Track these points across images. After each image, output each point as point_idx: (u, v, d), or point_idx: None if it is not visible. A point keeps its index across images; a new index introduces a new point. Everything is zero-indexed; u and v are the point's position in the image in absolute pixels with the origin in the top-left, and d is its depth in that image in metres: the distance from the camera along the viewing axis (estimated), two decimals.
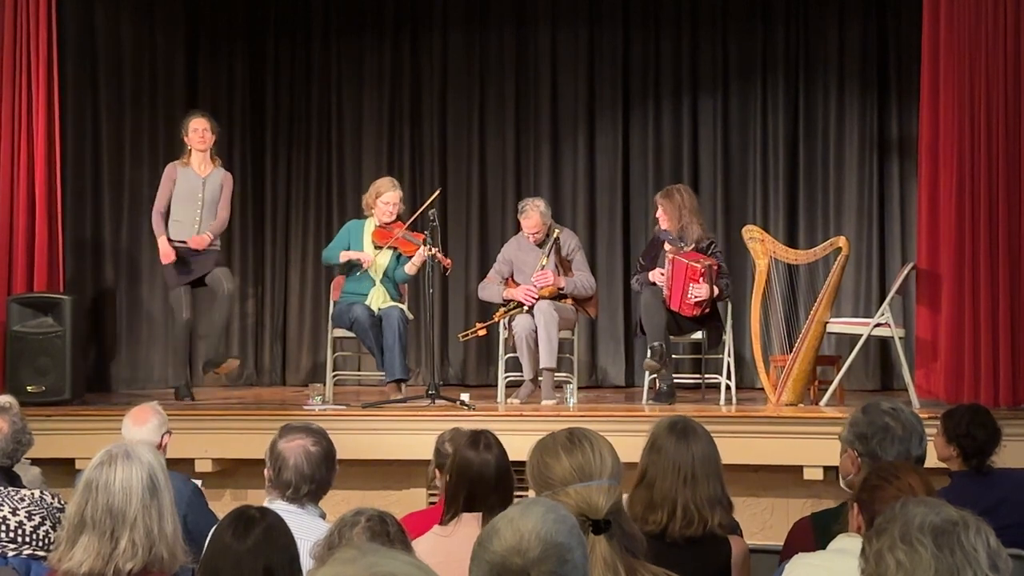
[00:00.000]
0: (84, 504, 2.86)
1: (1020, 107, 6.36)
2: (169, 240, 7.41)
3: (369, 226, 7.48)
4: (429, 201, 7.37)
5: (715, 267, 7.02)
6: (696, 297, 6.96)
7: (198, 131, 7.46)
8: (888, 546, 1.81)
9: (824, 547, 3.03)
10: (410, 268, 7.34)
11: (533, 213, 7.36)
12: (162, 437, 4.49)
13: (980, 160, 6.38)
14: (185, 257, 7.42)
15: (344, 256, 7.43)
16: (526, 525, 1.95)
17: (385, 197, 7.40)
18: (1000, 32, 6.38)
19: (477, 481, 3.46)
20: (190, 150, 7.52)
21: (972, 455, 4.34)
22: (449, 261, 7.37)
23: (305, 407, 6.86)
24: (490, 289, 7.54)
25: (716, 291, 7.02)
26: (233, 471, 6.54)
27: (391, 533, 2.82)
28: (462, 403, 6.80)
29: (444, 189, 9.21)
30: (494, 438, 3.59)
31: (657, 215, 7.27)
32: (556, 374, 7.20)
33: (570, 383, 7.17)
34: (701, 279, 6.94)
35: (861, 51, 8.82)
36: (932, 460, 4.49)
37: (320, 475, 3.54)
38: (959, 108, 6.43)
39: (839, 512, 3.38)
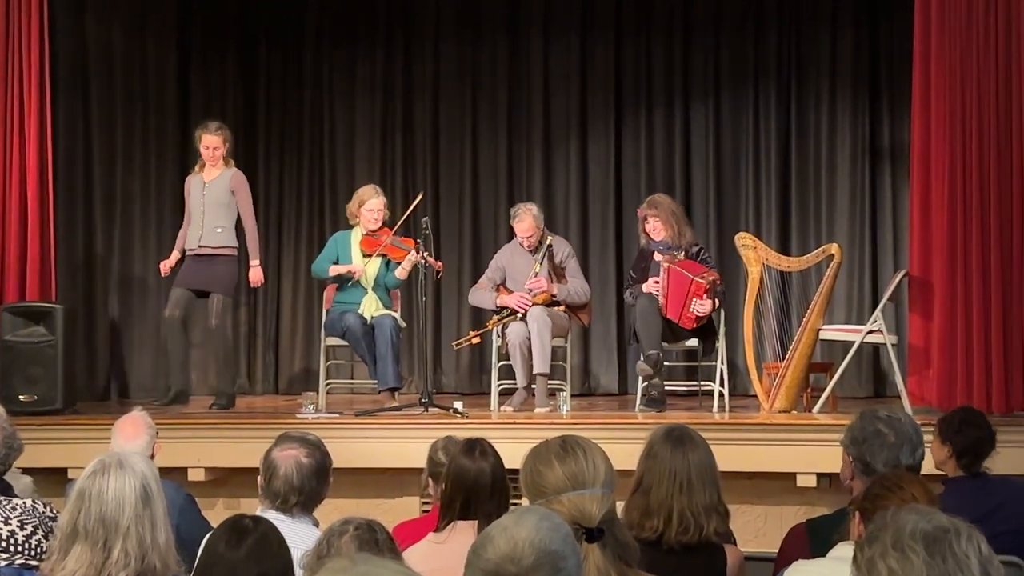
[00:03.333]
0: (77, 513, 2.85)
1: (1011, 114, 6.37)
2: (185, 249, 7.42)
3: (356, 235, 7.47)
4: (412, 207, 7.39)
5: (718, 281, 7.03)
6: (699, 312, 6.96)
7: (208, 149, 7.39)
8: (880, 553, 1.81)
9: (819, 554, 3.03)
10: (400, 273, 7.34)
11: (526, 216, 7.35)
12: (153, 447, 4.48)
13: (972, 167, 6.40)
14: (195, 264, 7.38)
15: (334, 271, 7.43)
16: (520, 533, 1.95)
17: (369, 204, 7.39)
18: (991, 40, 6.40)
19: (473, 489, 3.47)
20: (202, 160, 7.49)
21: (964, 453, 4.35)
22: (440, 264, 7.37)
23: (298, 415, 6.85)
24: (481, 295, 7.53)
25: (716, 303, 7.03)
26: (226, 480, 6.52)
27: (380, 541, 2.81)
28: (455, 411, 6.80)
29: (436, 194, 9.25)
30: (489, 446, 3.60)
31: (647, 228, 7.25)
32: (549, 381, 7.19)
33: (563, 391, 7.17)
34: (705, 295, 6.94)
35: (853, 59, 8.85)
36: (929, 467, 4.52)
37: (310, 487, 3.52)
38: (950, 115, 6.45)
39: (834, 519, 3.39)
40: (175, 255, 7.48)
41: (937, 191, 6.50)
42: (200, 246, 7.36)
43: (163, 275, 7.63)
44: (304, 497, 3.52)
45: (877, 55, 8.82)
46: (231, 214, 7.40)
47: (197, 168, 7.53)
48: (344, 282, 7.43)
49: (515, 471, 2.75)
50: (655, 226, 7.20)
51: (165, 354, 7.77)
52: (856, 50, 8.85)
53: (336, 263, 7.47)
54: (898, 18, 8.26)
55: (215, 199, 7.38)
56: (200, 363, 8.59)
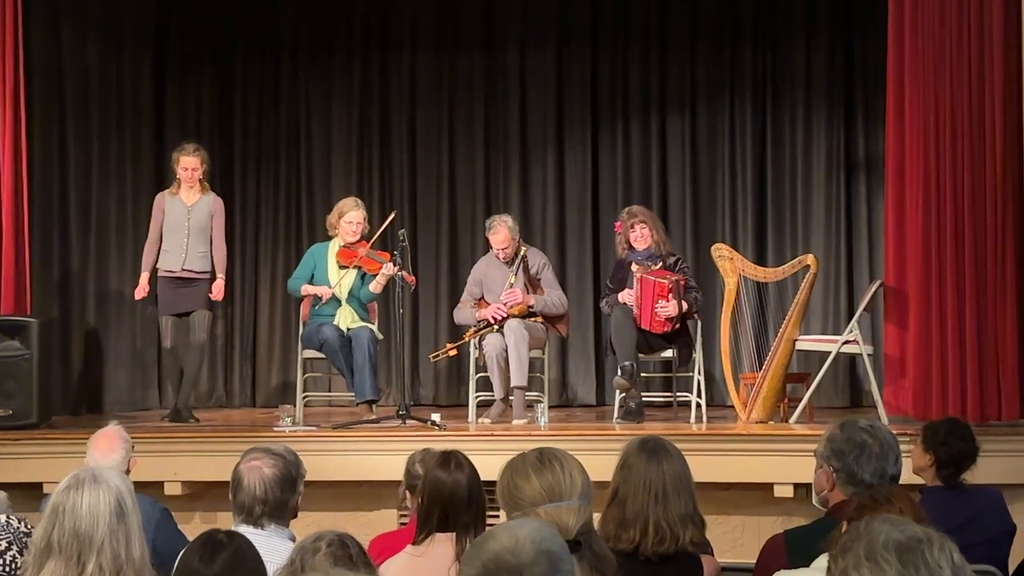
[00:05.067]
0: (51, 528, 2.83)
1: (984, 127, 6.42)
2: (158, 271, 7.48)
3: (333, 247, 7.48)
4: (384, 225, 7.38)
5: (682, 282, 7.05)
6: (663, 314, 6.98)
7: (188, 171, 7.50)
8: (853, 564, 1.82)
9: (797, 564, 3.03)
10: (375, 286, 7.34)
11: (501, 228, 7.36)
12: (129, 461, 4.45)
13: (945, 179, 6.43)
14: (175, 288, 7.48)
15: (304, 291, 7.44)
16: (522, 532, 1.98)
17: (349, 216, 7.40)
18: (964, 53, 6.45)
19: (449, 501, 3.47)
20: (179, 180, 7.55)
21: (945, 464, 4.38)
22: (413, 279, 7.38)
23: (275, 428, 6.83)
24: (464, 312, 7.54)
25: (685, 306, 7.05)
26: (202, 494, 6.49)
27: (353, 556, 2.80)
28: (433, 423, 6.79)
29: (413, 206, 9.25)
30: (464, 457, 3.60)
31: (631, 237, 7.27)
32: (527, 393, 7.19)
33: (541, 402, 7.17)
34: (669, 295, 6.98)
35: (828, 72, 8.89)
36: (906, 476, 4.54)
37: (275, 496, 3.50)
38: (924, 128, 6.49)
39: (812, 529, 3.39)
40: (145, 276, 7.54)
41: (912, 202, 6.54)
42: (184, 270, 7.48)
43: (138, 299, 7.72)
44: (269, 507, 3.49)
45: (852, 68, 8.87)
46: (208, 238, 7.55)
47: (173, 189, 7.58)
48: (318, 299, 7.43)
49: (492, 483, 2.75)
50: (642, 233, 7.22)
51: (168, 378, 8.03)
52: (831, 63, 8.89)
53: (312, 278, 7.48)
54: (872, 31, 8.31)
55: (199, 224, 7.51)
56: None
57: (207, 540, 2.83)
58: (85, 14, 8.49)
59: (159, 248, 7.51)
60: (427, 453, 4.17)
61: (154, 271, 7.53)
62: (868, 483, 3.43)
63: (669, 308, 6.98)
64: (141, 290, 7.56)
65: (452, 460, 3.56)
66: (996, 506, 4.41)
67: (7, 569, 3.67)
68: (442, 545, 3.41)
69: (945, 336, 6.39)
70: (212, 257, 7.57)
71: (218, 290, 7.58)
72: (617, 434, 6.66)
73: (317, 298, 7.43)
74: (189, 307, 7.51)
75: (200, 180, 7.56)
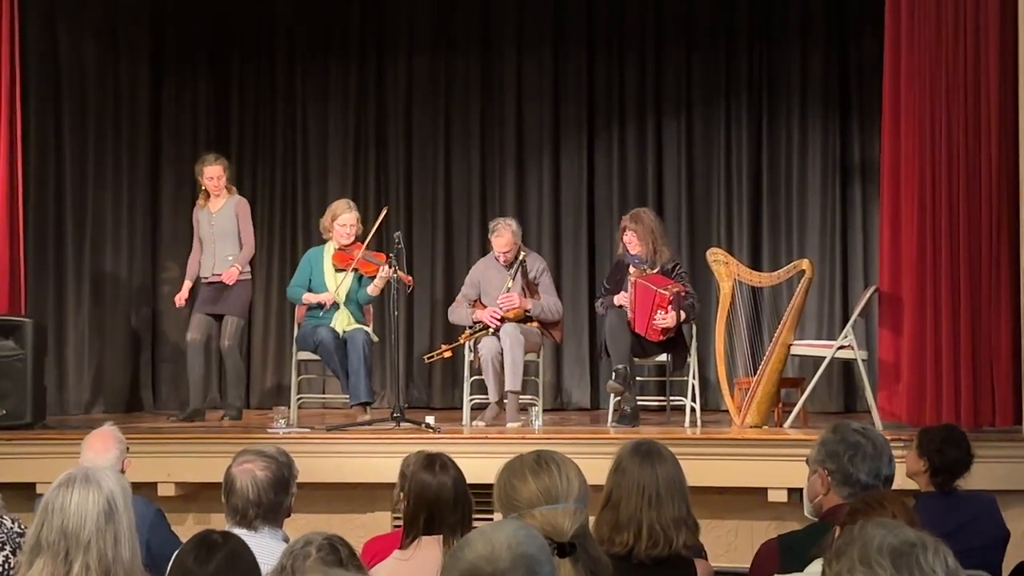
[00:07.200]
0: (40, 527, 2.84)
1: (980, 131, 6.42)
2: (200, 277, 7.71)
3: (329, 250, 7.48)
4: (378, 222, 7.39)
5: (682, 293, 7.04)
6: (662, 324, 6.98)
7: (213, 179, 7.67)
8: (847, 568, 1.82)
9: (791, 569, 3.03)
10: (373, 289, 7.34)
11: (505, 231, 7.36)
12: (123, 462, 4.45)
13: (941, 184, 6.44)
14: (211, 291, 7.67)
15: (307, 299, 7.46)
16: (498, 537, 1.97)
17: (342, 219, 7.41)
18: (960, 57, 6.46)
19: (435, 503, 3.46)
20: (205, 191, 7.71)
21: (939, 471, 4.38)
22: (410, 279, 7.38)
23: (269, 430, 6.82)
24: (459, 312, 7.55)
25: (683, 315, 7.05)
26: (196, 495, 6.48)
27: (343, 559, 2.78)
28: (427, 426, 6.78)
29: (408, 209, 9.25)
30: (449, 460, 3.59)
31: (624, 239, 7.27)
32: (521, 397, 7.19)
33: (535, 406, 7.17)
34: (669, 306, 6.96)
35: (823, 76, 8.90)
36: (900, 481, 4.53)
37: (268, 499, 3.48)
38: (920, 132, 6.49)
39: (806, 534, 3.39)
40: (187, 284, 7.80)
41: (907, 207, 6.55)
42: (214, 274, 7.65)
43: (178, 307, 7.95)
44: (263, 510, 3.47)
45: (847, 71, 8.88)
46: (235, 241, 7.68)
47: (201, 200, 7.77)
48: (315, 313, 7.43)
49: (486, 486, 2.74)
50: (631, 240, 7.22)
51: (185, 374, 8.07)
52: (826, 66, 8.90)
53: (309, 283, 7.49)
54: (868, 35, 8.33)
55: (223, 228, 7.66)
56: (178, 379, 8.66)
57: (202, 541, 2.83)
58: (82, 14, 8.48)
59: (200, 257, 7.74)
60: (421, 456, 4.16)
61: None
62: (864, 483, 3.42)
63: (668, 320, 6.97)
64: (180, 299, 7.81)
65: (437, 462, 3.55)
66: (990, 512, 4.41)
67: (2, 569, 3.67)
68: (429, 548, 3.40)
69: (940, 341, 6.39)
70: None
71: (228, 274, 7.61)
72: (611, 438, 6.66)
73: (315, 312, 7.43)
74: (222, 310, 7.65)
75: (227, 187, 7.72)
